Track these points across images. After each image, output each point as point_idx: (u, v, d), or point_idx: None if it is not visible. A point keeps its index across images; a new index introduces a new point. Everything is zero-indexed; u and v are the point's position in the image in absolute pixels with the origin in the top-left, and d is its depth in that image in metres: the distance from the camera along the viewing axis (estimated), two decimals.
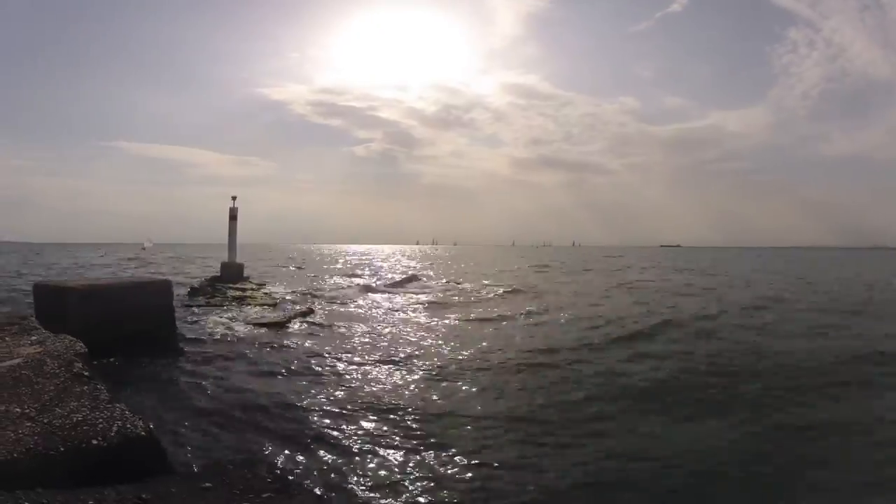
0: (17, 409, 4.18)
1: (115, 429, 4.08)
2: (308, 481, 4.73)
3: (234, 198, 21.68)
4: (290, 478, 4.60)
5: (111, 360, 7.85)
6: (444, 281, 30.00)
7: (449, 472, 5.14)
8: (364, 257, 69.30)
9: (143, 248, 60.68)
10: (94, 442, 3.93)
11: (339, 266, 44.68)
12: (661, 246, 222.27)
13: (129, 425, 4.14)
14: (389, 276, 32.29)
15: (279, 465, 5.03)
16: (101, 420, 4.17)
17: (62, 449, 3.78)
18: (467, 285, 27.09)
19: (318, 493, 4.54)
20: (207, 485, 4.05)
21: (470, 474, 5.09)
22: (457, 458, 5.35)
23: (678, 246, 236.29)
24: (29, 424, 3.98)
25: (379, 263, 50.42)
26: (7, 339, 5.76)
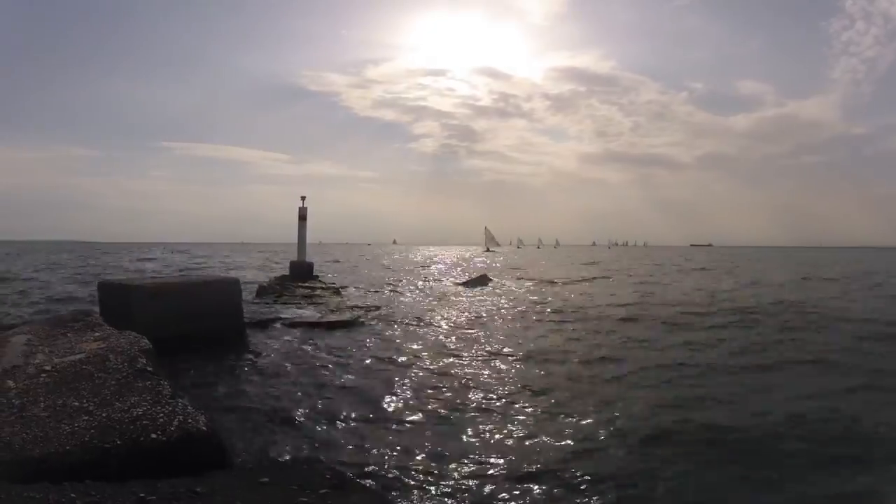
0: (76, 403, 4.15)
1: (175, 423, 4.01)
2: (368, 479, 4.53)
3: (303, 198, 22.10)
4: (350, 475, 4.39)
5: (177, 357, 7.92)
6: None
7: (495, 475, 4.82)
8: (435, 257, 68.88)
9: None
10: (153, 436, 3.86)
11: (407, 266, 44.85)
12: (692, 245, 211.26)
13: (189, 420, 4.06)
14: (465, 275, 31.50)
15: (339, 462, 4.87)
16: (161, 415, 4.11)
17: (118, 442, 3.71)
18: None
19: (377, 490, 4.32)
20: (264, 480, 3.95)
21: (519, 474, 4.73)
22: (526, 470, 4.98)
23: (710, 245, 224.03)
24: (86, 418, 3.93)
25: (482, 263, 49.75)
26: (70, 335, 5.85)
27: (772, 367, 8.87)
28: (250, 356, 9.23)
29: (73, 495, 2.92)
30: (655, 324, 13.59)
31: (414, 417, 6.25)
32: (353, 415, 6.22)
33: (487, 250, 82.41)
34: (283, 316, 13.13)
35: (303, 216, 22.09)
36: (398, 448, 5.30)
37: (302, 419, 6.11)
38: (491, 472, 4.80)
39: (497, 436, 5.68)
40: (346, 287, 22.26)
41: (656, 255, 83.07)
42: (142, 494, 3.24)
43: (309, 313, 13.90)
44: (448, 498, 4.35)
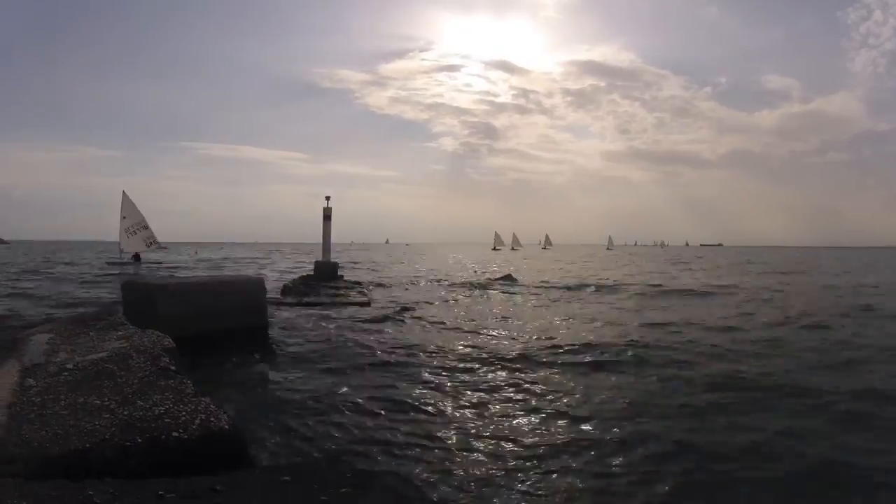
0: (97, 401, 4.13)
1: (197, 422, 3.97)
2: (390, 478, 4.43)
3: (327, 198, 22.20)
4: (372, 473, 4.34)
5: (201, 355, 7.92)
6: None
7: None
8: (461, 257, 67.82)
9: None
10: (175, 434, 3.82)
11: (433, 266, 44.68)
12: (701, 245, 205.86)
13: (212, 419, 4.03)
14: (486, 275, 31.06)
15: (361, 461, 4.79)
16: (184, 413, 4.08)
17: (139, 440, 3.68)
18: None
19: (399, 491, 4.22)
20: (286, 478, 3.90)
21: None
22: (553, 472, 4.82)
23: (719, 245, 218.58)
24: (107, 416, 3.92)
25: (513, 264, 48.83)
26: (92, 334, 5.87)
27: None
28: (274, 355, 9.20)
29: (90, 492, 2.88)
30: None
31: (440, 416, 6.13)
32: (377, 413, 6.14)
33: (494, 249, 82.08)
34: (307, 315, 13.12)
35: (327, 216, 22.19)
36: (422, 447, 5.19)
37: (325, 417, 6.03)
38: (519, 474, 4.65)
39: (526, 438, 5.51)
40: (371, 286, 22.26)
41: (685, 255, 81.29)
42: (161, 492, 3.21)
43: (334, 313, 13.88)
44: (473, 499, 4.22)
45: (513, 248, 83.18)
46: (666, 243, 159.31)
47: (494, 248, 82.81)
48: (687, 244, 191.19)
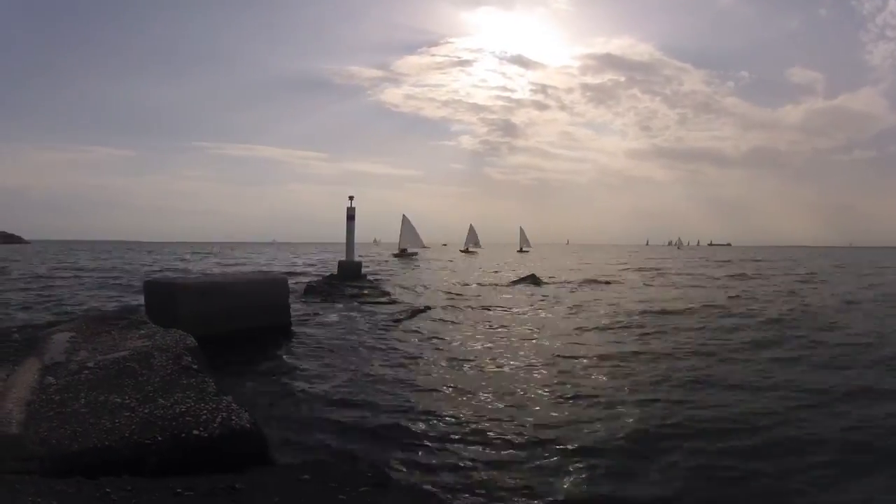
0: (118, 400, 4.14)
1: (218, 420, 3.96)
2: (408, 478, 4.37)
3: (350, 198, 22.11)
4: (390, 473, 4.27)
5: (223, 354, 7.95)
6: None
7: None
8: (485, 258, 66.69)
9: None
10: (195, 432, 3.81)
11: (456, 267, 44.45)
12: (710, 244, 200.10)
13: (233, 417, 4.02)
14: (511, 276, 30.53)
15: (380, 460, 4.73)
16: (205, 411, 4.07)
17: (159, 438, 3.68)
18: None
19: (417, 489, 4.15)
20: (305, 477, 3.87)
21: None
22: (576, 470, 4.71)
23: (728, 245, 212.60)
24: (127, 414, 3.92)
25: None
26: (114, 332, 5.91)
27: None
28: (296, 354, 9.21)
29: (107, 489, 2.86)
30: None
31: (461, 416, 6.03)
32: (397, 412, 6.08)
33: (521, 251, 77.86)
34: (330, 314, 13.13)
35: (350, 216, 22.18)
36: (443, 447, 5.10)
37: (346, 416, 5.99)
38: (537, 475, 4.54)
39: (547, 436, 5.39)
40: (395, 286, 22.15)
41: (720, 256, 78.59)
42: (179, 490, 3.18)
43: (357, 312, 13.86)
44: (492, 499, 4.13)
45: (521, 250, 78.55)
46: (684, 243, 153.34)
47: (521, 250, 77.94)
48: (698, 243, 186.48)
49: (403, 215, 53.18)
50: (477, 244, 71.70)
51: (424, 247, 55.37)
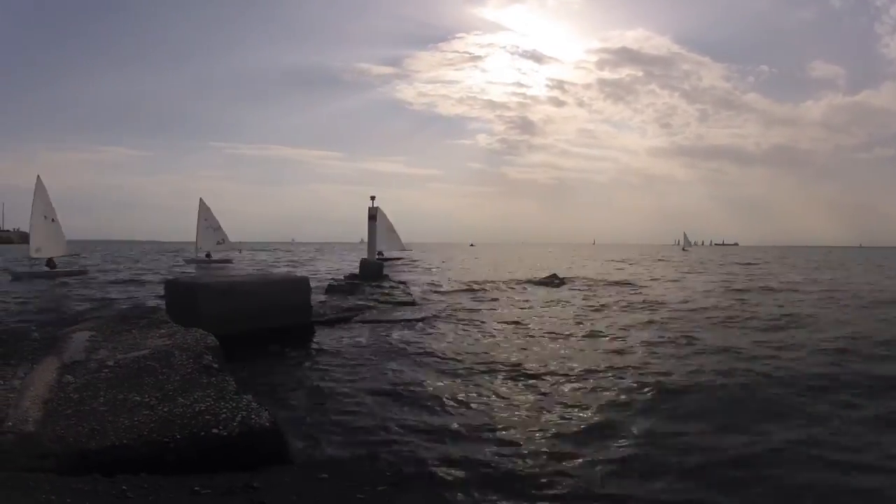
0: (137, 398, 4.13)
1: (238, 419, 3.94)
2: (427, 477, 4.29)
3: (372, 198, 22.25)
4: (409, 472, 4.21)
5: (244, 354, 7.97)
6: None
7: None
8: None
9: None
10: (214, 431, 3.79)
11: (474, 267, 44.25)
12: (715, 244, 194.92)
13: (253, 416, 4.00)
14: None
15: (400, 459, 4.67)
16: (224, 410, 4.05)
17: (178, 437, 3.66)
18: None
19: (436, 488, 4.08)
20: (324, 475, 3.88)
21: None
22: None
23: (735, 244, 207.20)
24: (146, 412, 3.91)
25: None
26: (135, 331, 5.94)
27: None
28: (318, 354, 9.19)
29: (123, 487, 2.84)
30: None
31: (482, 417, 5.93)
32: (417, 412, 6.01)
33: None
34: (352, 314, 13.11)
35: (372, 216, 22.25)
36: (462, 447, 5.00)
37: (366, 416, 5.95)
38: (558, 477, 4.41)
39: (566, 438, 5.26)
40: (417, 286, 22.06)
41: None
42: (196, 488, 3.18)
43: (378, 312, 13.83)
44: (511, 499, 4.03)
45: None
46: (692, 243, 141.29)
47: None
48: (702, 243, 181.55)
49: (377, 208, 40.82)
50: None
51: (405, 249, 40.41)
